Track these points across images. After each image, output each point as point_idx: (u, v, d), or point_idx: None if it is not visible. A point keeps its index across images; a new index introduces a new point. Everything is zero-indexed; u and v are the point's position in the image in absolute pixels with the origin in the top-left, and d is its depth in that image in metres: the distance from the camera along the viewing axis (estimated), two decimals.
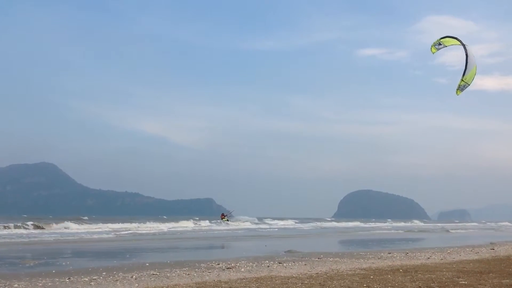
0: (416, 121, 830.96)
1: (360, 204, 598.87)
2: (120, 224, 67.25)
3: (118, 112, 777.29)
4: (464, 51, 19.68)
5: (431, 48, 20.36)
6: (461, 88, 19.29)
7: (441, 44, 20.29)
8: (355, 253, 24.67)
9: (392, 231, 68.53)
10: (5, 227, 48.87)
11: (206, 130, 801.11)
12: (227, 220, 70.83)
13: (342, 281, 13.67)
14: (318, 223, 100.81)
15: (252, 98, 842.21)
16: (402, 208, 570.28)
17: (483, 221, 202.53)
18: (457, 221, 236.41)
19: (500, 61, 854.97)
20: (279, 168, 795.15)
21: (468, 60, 19.40)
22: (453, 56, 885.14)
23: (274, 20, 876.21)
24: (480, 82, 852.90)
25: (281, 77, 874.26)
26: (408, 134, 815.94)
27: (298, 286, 12.84)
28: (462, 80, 19.35)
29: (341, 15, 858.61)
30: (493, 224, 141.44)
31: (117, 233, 49.50)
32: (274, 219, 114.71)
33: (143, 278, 14.96)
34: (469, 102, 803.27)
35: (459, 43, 19.95)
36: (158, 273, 16.07)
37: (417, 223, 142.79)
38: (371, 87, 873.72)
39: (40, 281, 14.50)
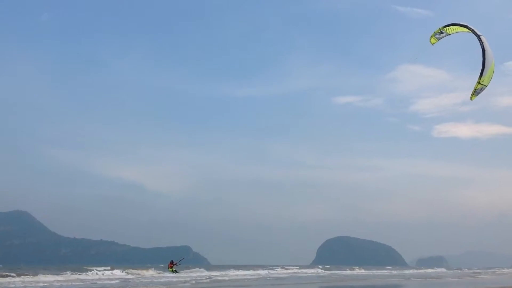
0: (393, 168, 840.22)
1: (339, 250, 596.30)
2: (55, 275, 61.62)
3: (94, 159, 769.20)
4: (479, 42, 16.70)
5: (430, 39, 18.08)
6: (477, 92, 17.11)
7: (443, 33, 17.93)
8: None
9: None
10: None
11: (184, 177, 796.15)
12: (175, 271, 62.49)
13: None
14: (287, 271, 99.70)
15: (231, 145, 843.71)
16: (381, 254, 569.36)
17: (462, 268, 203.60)
18: (437, 268, 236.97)
19: (473, 109, 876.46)
20: (257, 215, 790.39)
21: (486, 57, 16.60)
22: (427, 104, 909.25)
23: (253, 67, 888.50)
24: (454, 130, 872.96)
25: (260, 124, 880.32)
26: (386, 180, 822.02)
27: None
28: (478, 82, 16.80)
29: (318, 63, 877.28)
30: (470, 271, 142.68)
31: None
32: (238, 268, 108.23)
33: None
34: (444, 149, 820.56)
35: (466, 30, 16.99)
36: None
37: (394, 270, 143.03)
38: (348, 134, 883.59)
39: None
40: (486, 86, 16.87)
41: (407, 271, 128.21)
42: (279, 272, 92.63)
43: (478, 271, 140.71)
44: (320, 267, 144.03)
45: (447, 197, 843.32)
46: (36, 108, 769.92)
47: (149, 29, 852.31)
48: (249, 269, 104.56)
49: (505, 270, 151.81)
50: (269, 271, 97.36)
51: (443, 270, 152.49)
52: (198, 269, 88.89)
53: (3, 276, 53.10)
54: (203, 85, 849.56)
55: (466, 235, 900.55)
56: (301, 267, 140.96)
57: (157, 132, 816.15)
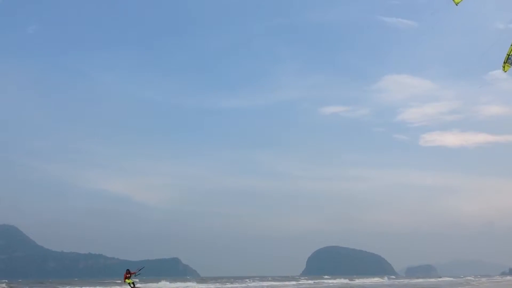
0: (381, 177, 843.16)
1: (328, 260, 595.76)
2: None
3: (81, 172, 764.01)
4: None
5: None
6: (510, 60, 15.79)
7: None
8: None
9: None
10: None
11: (171, 188, 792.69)
12: (132, 284, 52.51)
13: None
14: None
15: (217, 156, 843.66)
16: (370, 264, 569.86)
17: (450, 277, 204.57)
18: (428, 277, 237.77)
19: (459, 118, 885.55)
20: (247, 225, 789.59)
21: None
22: (413, 113, 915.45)
23: (239, 79, 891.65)
24: (440, 139, 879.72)
25: (247, 135, 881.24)
26: (374, 190, 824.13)
27: None
28: None
29: (305, 74, 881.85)
30: (459, 279, 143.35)
31: None
32: (224, 282, 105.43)
33: None
34: (431, 158, 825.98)
35: None
36: None
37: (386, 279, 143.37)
38: (336, 144, 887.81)
39: None
40: None
41: (398, 281, 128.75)
42: (262, 285, 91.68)
43: (470, 278, 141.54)
44: (305, 278, 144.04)
45: (434, 206, 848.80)
46: (21, 121, 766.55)
47: (134, 43, 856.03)
48: (237, 281, 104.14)
49: (499, 278, 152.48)
50: (249, 284, 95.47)
51: (438, 279, 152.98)
52: (183, 283, 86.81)
53: None
54: (189, 97, 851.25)
55: (454, 243, 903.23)
56: (289, 278, 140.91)
57: (144, 144, 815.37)
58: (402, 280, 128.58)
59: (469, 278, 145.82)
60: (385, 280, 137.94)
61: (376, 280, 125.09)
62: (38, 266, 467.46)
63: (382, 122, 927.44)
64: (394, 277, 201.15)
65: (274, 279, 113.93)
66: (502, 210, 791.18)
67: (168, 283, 77.72)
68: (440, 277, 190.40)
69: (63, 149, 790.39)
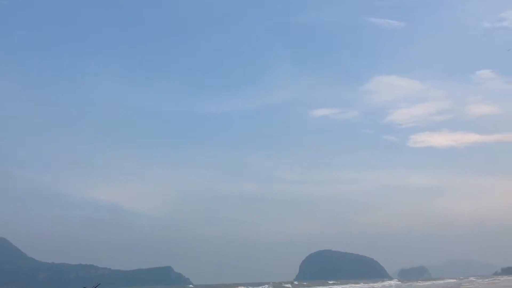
0: (371, 179, 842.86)
1: (321, 265, 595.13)
2: None
3: (70, 181, 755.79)
4: None
5: None
6: None
7: None
8: None
9: None
10: None
11: (162, 195, 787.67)
12: None
13: None
14: None
15: (209, 161, 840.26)
16: (363, 267, 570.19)
17: (452, 278, 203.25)
18: (421, 281, 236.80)
19: (449, 118, 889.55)
20: (238, 231, 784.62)
21: None
22: (402, 114, 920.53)
23: (229, 82, 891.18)
24: (429, 139, 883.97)
25: (237, 138, 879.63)
26: (365, 192, 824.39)
27: None
28: None
29: (295, 77, 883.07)
30: (456, 280, 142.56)
31: None
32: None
33: None
34: (421, 159, 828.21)
35: None
36: None
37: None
38: (326, 147, 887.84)
39: None
40: None
41: (391, 282, 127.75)
42: None
43: (473, 279, 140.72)
44: (304, 283, 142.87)
45: (426, 207, 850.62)
46: (9, 128, 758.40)
47: (125, 46, 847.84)
48: None
49: (502, 278, 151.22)
50: None
51: (441, 282, 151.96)
52: None
53: None
54: (179, 102, 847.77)
55: (447, 244, 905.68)
56: (282, 283, 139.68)
57: (133, 151, 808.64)
58: (400, 284, 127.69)
59: (471, 279, 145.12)
60: (386, 284, 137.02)
61: (379, 284, 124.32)
62: (28, 277, 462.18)
63: (371, 124, 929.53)
64: (393, 283, 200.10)
65: (274, 285, 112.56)
66: (493, 209, 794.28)
67: None
68: (443, 280, 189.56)
69: (51, 156, 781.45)
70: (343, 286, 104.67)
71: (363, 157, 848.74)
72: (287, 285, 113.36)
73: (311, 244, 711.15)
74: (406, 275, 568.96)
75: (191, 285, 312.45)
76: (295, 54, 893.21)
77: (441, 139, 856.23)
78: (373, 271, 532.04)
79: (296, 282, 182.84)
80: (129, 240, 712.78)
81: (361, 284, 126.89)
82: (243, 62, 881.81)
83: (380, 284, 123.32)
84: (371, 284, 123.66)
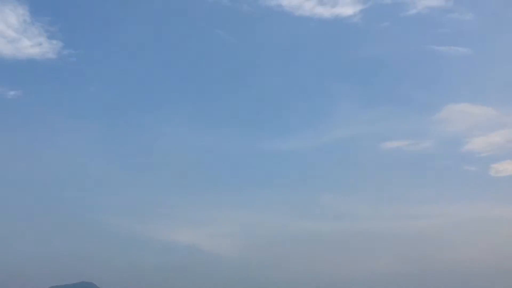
0: (452, 213, 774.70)
1: None
2: None
3: (153, 225, 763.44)
4: None
5: None
6: None
7: None
8: None
9: None
10: None
11: (238, 237, 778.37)
12: None
13: None
14: None
15: (279, 201, 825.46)
16: None
17: None
18: None
19: None
20: (313, 273, 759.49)
21: None
22: (479, 142, 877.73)
23: (294, 120, 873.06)
24: (504, 168, 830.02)
25: (307, 177, 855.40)
26: (446, 226, 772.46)
27: None
28: None
29: (361, 110, 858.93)
30: None
31: None
32: None
33: None
34: (504, 188, 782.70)
35: None
36: None
37: None
38: (399, 180, 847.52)
39: None
40: None
41: None
42: None
43: None
44: None
45: None
46: (89, 178, 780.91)
47: (189, 95, 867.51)
48: None
49: None
50: None
51: None
52: None
53: None
54: (248, 142, 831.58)
55: None
56: None
57: (208, 193, 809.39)
58: None
59: None
60: None
61: None
62: None
63: (447, 154, 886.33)
64: None
65: None
66: None
67: None
68: None
69: (134, 202, 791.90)
70: None
71: (442, 190, 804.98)
72: None
73: (388, 284, 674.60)
74: None
75: None
76: (362, 88, 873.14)
77: None
78: None
79: None
80: (211, 284, 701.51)
81: None
82: (307, 100, 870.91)
83: None
84: None
